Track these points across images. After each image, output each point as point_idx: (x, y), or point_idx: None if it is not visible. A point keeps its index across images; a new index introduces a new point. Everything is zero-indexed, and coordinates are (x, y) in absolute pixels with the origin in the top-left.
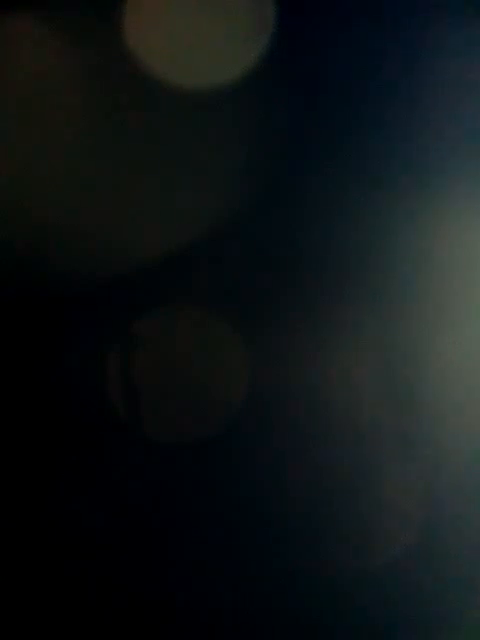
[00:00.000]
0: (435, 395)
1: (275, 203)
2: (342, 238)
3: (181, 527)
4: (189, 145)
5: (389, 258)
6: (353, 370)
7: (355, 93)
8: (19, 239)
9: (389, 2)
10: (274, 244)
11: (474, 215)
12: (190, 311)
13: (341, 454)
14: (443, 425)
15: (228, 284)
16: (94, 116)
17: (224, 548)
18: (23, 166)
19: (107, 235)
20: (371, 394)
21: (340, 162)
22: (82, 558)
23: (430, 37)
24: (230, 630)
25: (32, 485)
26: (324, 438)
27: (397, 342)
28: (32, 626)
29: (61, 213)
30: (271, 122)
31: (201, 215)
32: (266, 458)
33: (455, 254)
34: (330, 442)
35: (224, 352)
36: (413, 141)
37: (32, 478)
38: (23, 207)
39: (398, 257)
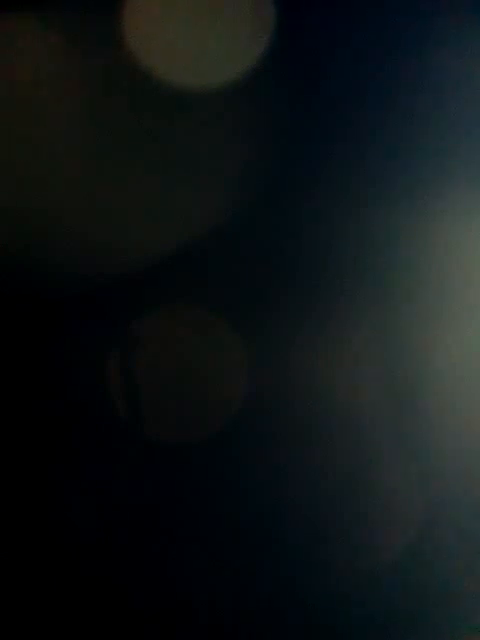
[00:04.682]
0: (435, 395)
1: (275, 203)
2: (342, 238)
3: (181, 526)
4: (189, 145)
5: (389, 258)
6: (353, 370)
7: (355, 93)
8: (19, 239)
9: (389, 2)
10: (274, 244)
11: (474, 215)
12: (190, 311)
13: (341, 454)
14: (443, 425)
15: (228, 284)
16: (94, 116)
17: (224, 547)
18: (23, 166)
19: (107, 235)
20: (371, 394)
21: (340, 162)
22: (82, 557)
23: (430, 37)
24: (230, 629)
25: (32, 484)
26: (324, 438)
27: (397, 342)
28: (32, 626)
29: (61, 213)
30: (271, 122)
31: (201, 215)
32: (266, 458)
33: (455, 254)
34: (330, 441)
35: (224, 352)
36: (413, 141)
37: (32, 477)
38: (23, 207)
39: (398, 257)
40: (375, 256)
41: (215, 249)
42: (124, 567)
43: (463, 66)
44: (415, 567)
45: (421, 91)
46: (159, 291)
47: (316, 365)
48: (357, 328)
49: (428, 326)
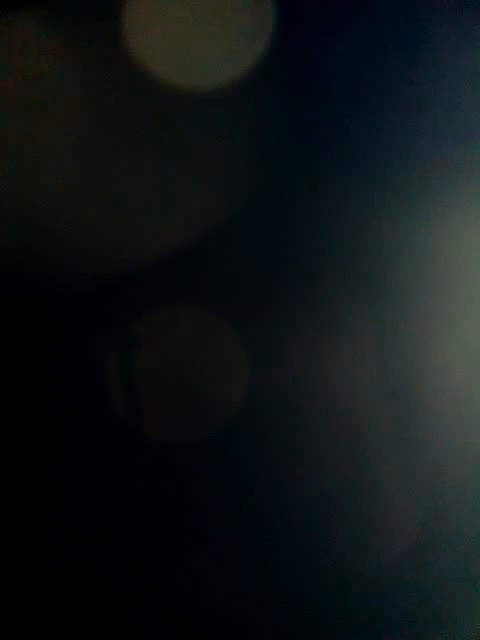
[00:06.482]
0: (435, 395)
1: (275, 203)
2: (342, 238)
3: (181, 527)
4: (189, 145)
5: (389, 258)
6: (353, 370)
7: (355, 93)
8: (19, 239)
9: (390, 2)
10: (274, 244)
11: (474, 215)
12: (190, 311)
13: (341, 454)
14: (443, 425)
15: (228, 284)
16: (94, 116)
17: (224, 548)
18: (23, 166)
19: (107, 235)
20: (371, 394)
21: (340, 162)
22: (82, 558)
23: (430, 37)
24: (230, 629)
25: (32, 485)
26: (324, 438)
27: (397, 342)
28: (32, 626)
29: (61, 213)
30: (271, 122)
31: (201, 215)
32: (266, 458)
33: (455, 254)
34: (330, 442)
35: (224, 352)
36: (414, 141)
37: (32, 478)
38: (23, 207)
39: (398, 257)
40: (376, 256)
41: (215, 249)
42: (123, 567)
43: (465, 66)
44: (415, 567)
45: (423, 91)
46: (159, 291)
47: (316, 365)
48: (357, 328)
49: (429, 326)
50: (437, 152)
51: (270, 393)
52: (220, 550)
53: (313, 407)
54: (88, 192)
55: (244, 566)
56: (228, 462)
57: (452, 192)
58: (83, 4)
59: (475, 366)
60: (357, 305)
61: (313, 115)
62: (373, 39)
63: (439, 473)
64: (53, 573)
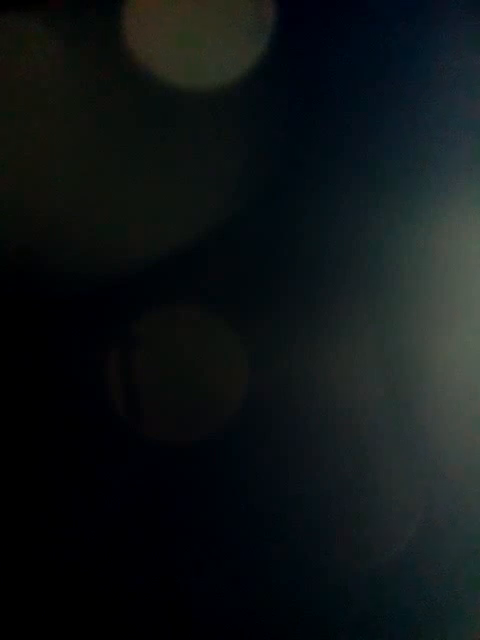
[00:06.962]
0: (435, 395)
1: (275, 203)
2: (342, 238)
3: (180, 527)
4: (189, 145)
5: (389, 258)
6: (353, 370)
7: (356, 93)
8: (18, 239)
9: (390, 2)
10: (274, 244)
11: (475, 215)
12: (190, 311)
13: (341, 454)
14: (443, 425)
15: (228, 284)
16: (93, 116)
17: (224, 548)
18: (22, 166)
19: (107, 235)
20: (371, 394)
21: (340, 162)
22: (81, 559)
23: (431, 37)
24: (230, 630)
25: (31, 485)
26: (324, 438)
27: (397, 342)
28: (31, 627)
29: (61, 213)
30: (271, 122)
31: (201, 215)
32: (266, 458)
33: (455, 254)
34: (330, 442)
35: (224, 352)
36: (414, 141)
37: (31, 478)
38: (23, 207)
39: (398, 257)
40: (376, 256)
41: (215, 249)
42: (122, 567)
43: (464, 66)
44: (415, 567)
45: (424, 91)
46: (159, 291)
47: (316, 365)
48: (358, 328)
49: (429, 326)
50: (437, 152)
51: (270, 393)
52: (220, 550)
53: (313, 407)
54: (88, 192)
55: (244, 566)
56: (228, 462)
57: (452, 192)
58: (83, 4)
59: (475, 366)
60: (357, 305)
61: (313, 115)
62: (374, 39)
63: (439, 473)
64: (52, 573)
